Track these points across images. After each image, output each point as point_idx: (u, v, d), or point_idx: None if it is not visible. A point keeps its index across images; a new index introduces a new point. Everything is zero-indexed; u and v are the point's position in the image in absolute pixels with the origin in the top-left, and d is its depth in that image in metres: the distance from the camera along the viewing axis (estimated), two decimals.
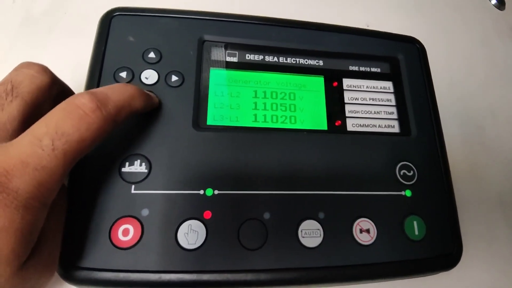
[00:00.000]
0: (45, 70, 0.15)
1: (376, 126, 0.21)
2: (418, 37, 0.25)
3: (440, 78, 0.32)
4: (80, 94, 0.14)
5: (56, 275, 0.16)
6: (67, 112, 0.13)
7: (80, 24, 0.28)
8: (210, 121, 0.20)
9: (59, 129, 0.12)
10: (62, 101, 0.14)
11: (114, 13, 0.21)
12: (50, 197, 0.13)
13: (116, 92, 0.15)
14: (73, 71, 0.22)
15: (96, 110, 0.13)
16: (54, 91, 0.16)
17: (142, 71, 0.19)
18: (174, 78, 0.19)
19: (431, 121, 0.22)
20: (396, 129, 0.22)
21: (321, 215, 0.18)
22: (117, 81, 0.19)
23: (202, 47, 0.21)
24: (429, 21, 0.37)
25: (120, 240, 0.16)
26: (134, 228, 0.16)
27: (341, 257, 0.18)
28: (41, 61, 0.16)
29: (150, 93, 0.18)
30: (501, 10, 0.42)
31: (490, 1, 0.42)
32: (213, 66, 0.21)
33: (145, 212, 0.16)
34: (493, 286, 0.25)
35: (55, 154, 0.12)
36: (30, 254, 0.13)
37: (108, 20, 0.20)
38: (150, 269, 0.15)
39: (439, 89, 0.25)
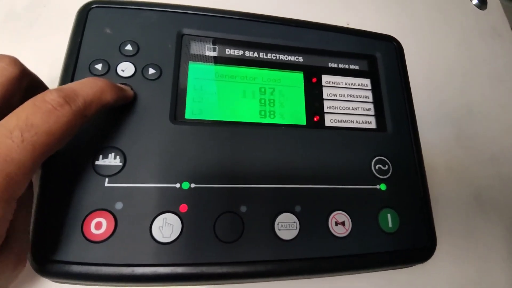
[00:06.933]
0: (15, 62, 0.15)
1: (353, 122, 0.22)
2: (399, 36, 0.25)
3: (419, 77, 0.32)
4: (49, 90, 0.14)
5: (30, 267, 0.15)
6: (36, 106, 0.13)
7: (59, 17, 0.28)
8: (188, 115, 0.20)
9: (28, 121, 0.13)
10: (32, 92, 0.14)
11: (92, 5, 0.20)
12: (18, 190, 0.13)
13: (85, 87, 0.15)
14: (51, 66, 0.21)
15: (64, 104, 0.13)
16: (24, 83, 0.16)
17: (119, 64, 0.19)
18: (151, 71, 0.19)
19: (407, 118, 0.22)
20: (373, 125, 0.22)
21: (298, 208, 0.18)
22: (92, 73, 0.19)
23: (181, 40, 0.21)
24: (410, 21, 0.38)
25: (92, 233, 0.16)
26: (107, 221, 0.16)
27: (316, 249, 0.18)
28: (21, 56, 0.16)
29: (124, 86, 0.18)
30: (482, 10, 0.43)
31: (471, 1, 0.43)
32: (192, 60, 0.21)
33: (118, 205, 0.16)
34: (469, 280, 0.26)
35: (24, 146, 0.12)
36: (1, 248, 0.13)
37: (86, 12, 0.20)
38: (122, 263, 0.15)
39: (419, 88, 0.26)
